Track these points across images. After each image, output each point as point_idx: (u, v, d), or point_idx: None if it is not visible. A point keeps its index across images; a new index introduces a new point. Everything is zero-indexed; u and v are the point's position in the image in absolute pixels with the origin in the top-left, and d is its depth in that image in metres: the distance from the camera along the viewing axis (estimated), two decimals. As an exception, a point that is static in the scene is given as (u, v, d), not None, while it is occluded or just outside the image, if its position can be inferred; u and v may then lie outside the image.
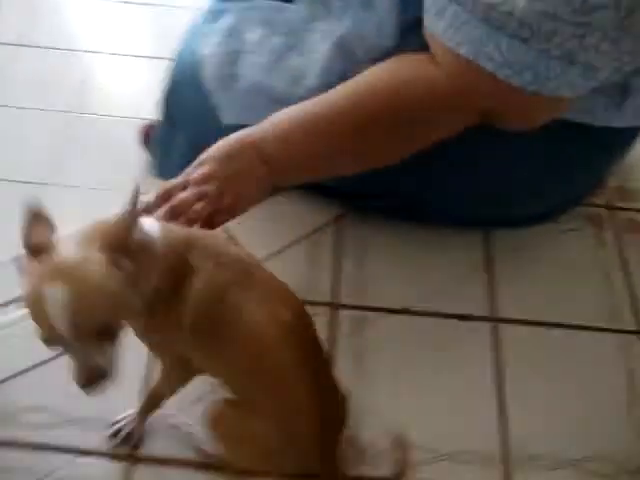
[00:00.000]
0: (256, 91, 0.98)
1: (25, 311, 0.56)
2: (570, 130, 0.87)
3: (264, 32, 1.00)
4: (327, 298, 1.02)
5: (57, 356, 0.82)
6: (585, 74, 0.67)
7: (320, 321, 0.97)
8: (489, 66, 0.67)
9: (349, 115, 0.80)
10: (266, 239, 1.08)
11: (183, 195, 0.78)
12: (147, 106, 1.32)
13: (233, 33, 1.01)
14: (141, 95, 1.61)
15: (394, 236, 1.09)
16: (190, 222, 0.77)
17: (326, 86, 0.87)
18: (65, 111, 1.48)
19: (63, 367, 0.58)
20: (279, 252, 1.07)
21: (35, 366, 0.93)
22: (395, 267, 1.07)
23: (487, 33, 0.67)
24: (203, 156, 0.82)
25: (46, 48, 1.62)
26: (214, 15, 1.09)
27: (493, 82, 0.69)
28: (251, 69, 0.99)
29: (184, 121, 1.15)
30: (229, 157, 0.80)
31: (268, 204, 1.09)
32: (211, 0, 1.15)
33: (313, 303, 1.00)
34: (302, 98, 0.89)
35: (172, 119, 1.20)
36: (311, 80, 0.94)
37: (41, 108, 1.49)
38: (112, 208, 0.60)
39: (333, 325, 1.00)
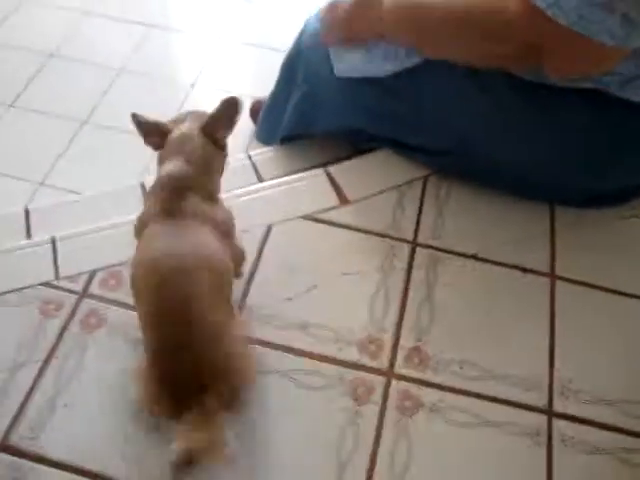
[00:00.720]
0: (367, 48, 1.16)
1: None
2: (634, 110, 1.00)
3: None
4: (409, 237, 1.16)
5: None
6: (623, 24, 0.77)
7: (401, 254, 1.13)
8: (541, 4, 0.80)
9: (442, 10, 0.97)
10: (362, 185, 1.24)
11: None
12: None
13: None
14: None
15: (472, 194, 1.23)
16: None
17: None
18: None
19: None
20: (372, 195, 1.23)
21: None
22: (469, 221, 1.20)
23: None
24: None
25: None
26: None
27: (545, 19, 0.80)
28: None
29: (302, 78, 1.35)
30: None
31: (369, 158, 1.29)
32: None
33: (395, 238, 1.16)
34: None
35: (290, 79, 1.40)
36: None
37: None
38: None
39: (410, 259, 1.14)
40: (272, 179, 1.41)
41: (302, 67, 1.35)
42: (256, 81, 1.98)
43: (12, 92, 1.91)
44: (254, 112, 1.79)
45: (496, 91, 1.06)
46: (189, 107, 1.81)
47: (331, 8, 1.19)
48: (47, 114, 1.86)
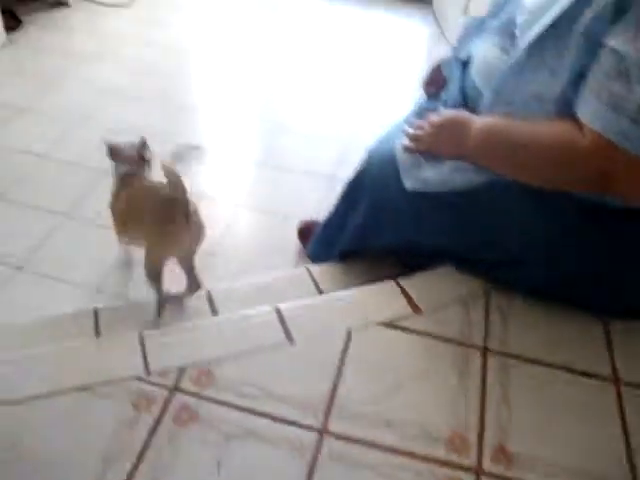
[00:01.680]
0: (439, 161, 1.27)
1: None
2: None
3: None
4: (479, 343, 1.22)
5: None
6: None
7: (474, 359, 1.19)
8: (613, 138, 0.94)
9: (523, 140, 1.10)
10: (431, 295, 1.32)
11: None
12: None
13: None
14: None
15: (532, 303, 1.30)
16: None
17: None
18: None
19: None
20: (442, 305, 1.30)
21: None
22: (532, 328, 1.27)
23: (615, 117, 0.94)
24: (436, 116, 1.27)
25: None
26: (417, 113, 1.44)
27: (615, 150, 0.94)
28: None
29: (367, 196, 1.46)
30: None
31: (435, 271, 1.38)
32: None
33: (467, 345, 1.22)
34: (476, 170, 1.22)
35: (352, 198, 1.51)
36: None
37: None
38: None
39: (483, 364, 1.19)
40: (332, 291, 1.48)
41: (366, 186, 1.45)
42: (301, 204, 2.10)
43: (69, 203, 2.01)
44: (303, 233, 1.89)
45: (559, 210, 1.16)
46: (232, 225, 1.95)
47: (420, 127, 1.32)
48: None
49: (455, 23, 3.34)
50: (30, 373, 1.12)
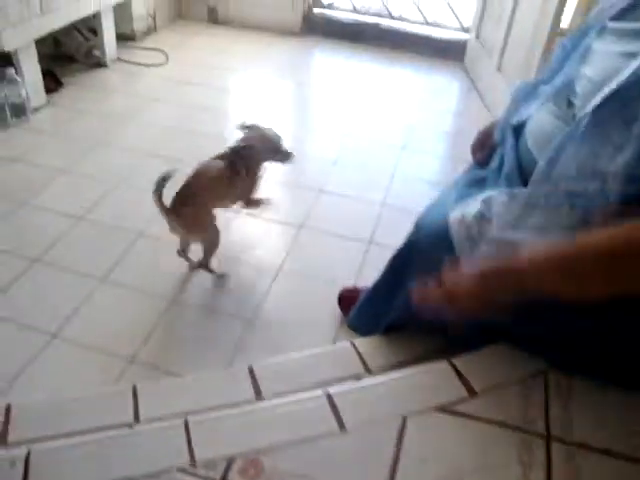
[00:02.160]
0: (500, 244, 1.19)
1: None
2: None
3: (507, 200, 1.25)
4: (541, 429, 1.14)
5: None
6: None
7: (537, 447, 1.11)
8: None
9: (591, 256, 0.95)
10: (487, 377, 1.25)
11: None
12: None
13: (486, 201, 1.26)
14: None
15: (593, 385, 1.22)
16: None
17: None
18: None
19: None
20: (499, 388, 1.22)
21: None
22: (594, 412, 1.19)
23: None
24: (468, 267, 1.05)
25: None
26: (468, 184, 1.39)
27: None
28: (496, 228, 1.21)
29: (418, 272, 1.39)
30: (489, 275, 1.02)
31: (490, 350, 1.31)
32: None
33: (528, 432, 1.14)
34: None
35: (400, 270, 1.45)
36: (555, 233, 1.13)
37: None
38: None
39: (547, 453, 1.11)
40: (379, 369, 1.42)
41: (416, 258, 1.40)
42: (337, 268, 2.05)
43: (105, 267, 1.99)
44: (343, 300, 1.84)
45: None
46: (271, 290, 1.91)
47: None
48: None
49: (488, 79, 3.34)
50: (70, 465, 1.07)
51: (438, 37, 3.95)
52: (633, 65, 0.98)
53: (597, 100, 1.04)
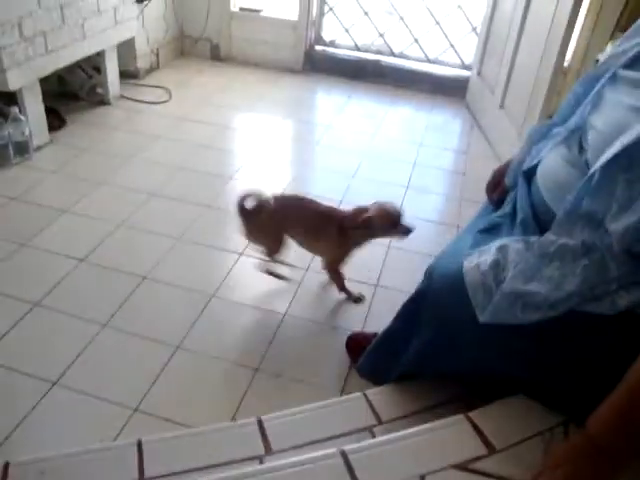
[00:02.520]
0: (515, 296, 1.16)
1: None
2: None
3: (523, 248, 1.22)
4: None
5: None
6: None
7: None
8: None
9: None
10: (506, 432, 1.20)
11: None
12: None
13: (501, 249, 1.23)
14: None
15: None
16: None
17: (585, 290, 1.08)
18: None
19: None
20: (518, 443, 1.18)
21: None
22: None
23: None
24: (554, 460, 1.00)
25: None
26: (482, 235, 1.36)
27: None
28: (511, 278, 1.17)
29: (431, 324, 1.36)
30: (578, 459, 0.97)
31: (508, 403, 1.27)
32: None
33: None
34: (552, 307, 1.10)
35: (413, 319, 1.41)
36: (571, 285, 1.11)
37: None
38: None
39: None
40: (392, 420, 1.37)
41: (429, 307, 1.36)
42: (343, 313, 2.02)
43: (107, 312, 1.94)
44: (353, 345, 1.80)
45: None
46: (278, 334, 1.87)
47: None
48: (141, 336, 1.86)
49: (491, 116, 3.35)
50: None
51: (439, 74, 3.97)
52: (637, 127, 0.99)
53: (606, 157, 1.03)
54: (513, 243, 1.23)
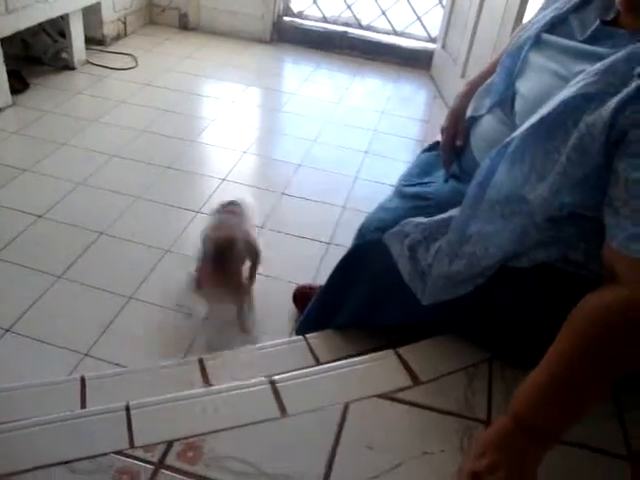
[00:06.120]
0: (444, 278, 1.21)
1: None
2: None
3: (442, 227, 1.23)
4: (483, 416, 1.16)
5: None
6: None
7: (478, 434, 1.12)
8: None
9: (571, 364, 0.91)
10: (432, 366, 1.27)
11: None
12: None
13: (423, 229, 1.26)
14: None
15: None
16: None
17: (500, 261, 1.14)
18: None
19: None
20: (443, 376, 1.25)
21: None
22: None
23: None
24: (480, 447, 0.94)
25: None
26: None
27: None
28: (436, 261, 1.22)
29: (364, 279, 1.41)
30: (504, 444, 0.93)
31: (436, 340, 1.33)
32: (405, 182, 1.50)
33: (470, 418, 1.15)
34: (480, 275, 1.17)
35: (349, 274, 1.46)
36: (486, 261, 1.16)
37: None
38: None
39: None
40: (329, 361, 1.43)
41: (363, 265, 1.40)
42: (296, 268, 2.07)
43: (63, 264, 1.97)
44: (298, 298, 1.85)
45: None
46: None
47: None
48: (92, 287, 1.90)
49: (453, 86, 3.40)
50: (11, 446, 1.06)
51: (406, 46, 4.01)
52: (560, 96, 0.99)
53: (524, 127, 1.05)
54: (433, 223, 1.26)
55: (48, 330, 1.73)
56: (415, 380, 1.23)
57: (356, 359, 1.29)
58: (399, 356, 1.28)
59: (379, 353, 1.30)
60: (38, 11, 2.96)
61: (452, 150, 1.46)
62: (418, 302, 1.27)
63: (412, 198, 1.41)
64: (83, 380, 1.36)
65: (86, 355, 1.66)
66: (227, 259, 1.62)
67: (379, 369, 1.26)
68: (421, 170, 1.55)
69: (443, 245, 1.21)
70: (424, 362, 1.28)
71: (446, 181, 1.45)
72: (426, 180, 1.49)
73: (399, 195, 1.46)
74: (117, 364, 1.64)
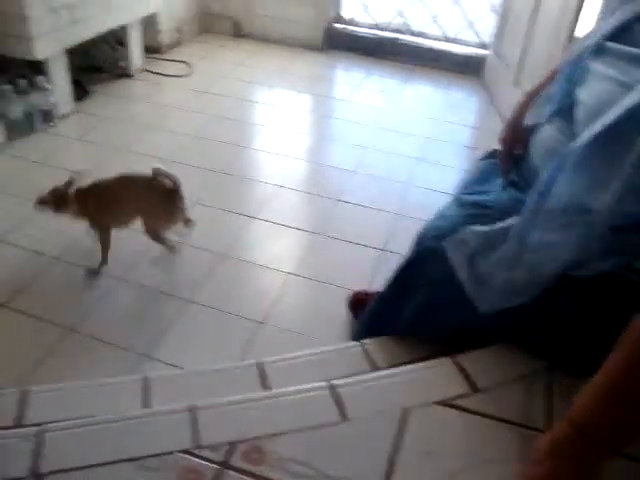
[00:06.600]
0: (503, 285, 1.21)
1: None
2: None
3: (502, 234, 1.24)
4: (541, 426, 1.16)
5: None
6: None
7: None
8: None
9: (630, 373, 0.89)
10: (490, 374, 1.27)
11: None
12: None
13: (485, 236, 1.27)
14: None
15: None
16: None
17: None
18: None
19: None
20: (501, 384, 1.24)
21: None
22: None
23: None
24: (537, 454, 0.94)
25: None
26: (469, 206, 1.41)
27: None
28: (496, 268, 1.23)
29: (422, 287, 1.42)
30: (561, 450, 0.93)
31: (494, 348, 1.33)
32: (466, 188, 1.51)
33: (529, 427, 1.15)
34: (541, 284, 1.16)
35: (407, 285, 1.47)
36: (547, 270, 1.15)
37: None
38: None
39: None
40: (385, 367, 1.44)
41: (423, 272, 1.41)
42: (350, 274, 2.09)
43: (123, 266, 2.05)
44: (353, 304, 1.87)
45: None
46: (283, 294, 1.94)
47: None
48: (152, 289, 1.96)
49: (506, 94, 3.37)
50: (80, 442, 1.11)
51: (457, 52, 3.99)
52: (624, 104, 0.99)
53: (586, 136, 1.05)
54: (493, 233, 1.26)
55: (108, 331, 1.79)
56: (473, 388, 1.23)
57: (414, 366, 1.30)
58: (457, 364, 1.29)
59: (436, 360, 1.31)
60: (100, 22, 3.07)
61: (510, 160, 1.47)
62: (475, 310, 1.27)
63: (471, 206, 1.42)
64: (146, 380, 1.40)
65: (146, 356, 1.71)
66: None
67: (437, 376, 1.27)
68: (479, 178, 1.56)
69: (503, 253, 1.22)
70: (482, 370, 1.28)
71: (504, 189, 1.45)
72: (484, 188, 1.49)
73: (458, 203, 1.47)
74: (174, 365, 1.69)
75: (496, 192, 1.45)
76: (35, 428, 1.13)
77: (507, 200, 1.38)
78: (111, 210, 1.99)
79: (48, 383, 1.41)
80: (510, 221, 1.24)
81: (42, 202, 1.94)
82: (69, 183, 1.93)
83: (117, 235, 2.04)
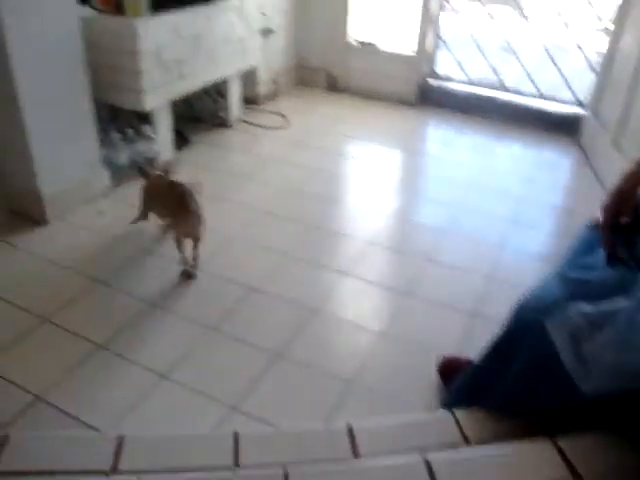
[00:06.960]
0: (613, 370, 1.15)
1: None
2: None
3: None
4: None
5: None
6: None
7: None
8: None
9: None
10: (595, 462, 1.21)
11: None
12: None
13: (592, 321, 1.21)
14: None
15: None
16: None
17: None
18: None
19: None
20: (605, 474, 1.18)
21: None
22: None
23: None
24: None
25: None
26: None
27: None
28: (604, 352, 1.17)
29: (521, 361, 1.38)
30: None
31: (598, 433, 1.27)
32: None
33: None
34: None
35: (505, 357, 1.43)
36: None
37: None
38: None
39: None
40: (477, 441, 1.40)
41: (522, 345, 1.37)
42: (438, 337, 2.06)
43: (215, 317, 2.10)
44: (444, 369, 1.84)
45: None
46: (371, 354, 1.93)
47: None
48: (243, 341, 1.99)
49: (604, 155, 3.28)
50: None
51: (552, 111, 3.93)
52: None
53: None
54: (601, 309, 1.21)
55: (199, 382, 1.83)
56: (575, 475, 1.17)
57: (511, 445, 1.26)
58: (557, 447, 1.24)
59: (535, 441, 1.26)
60: (205, 75, 3.24)
61: (612, 230, 1.41)
62: (577, 391, 1.22)
63: (574, 283, 1.37)
64: (236, 435, 1.41)
65: (233, 409, 1.73)
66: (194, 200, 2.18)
67: (536, 460, 1.22)
68: (584, 249, 1.51)
69: (611, 335, 1.17)
70: (583, 456, 1.22)
71: (609, 263, 1.40)
72: (589, 261, 1.44)
73: (560, 277, 1.43)
74: (263, 419, 1.70)
75: (600, 268, 1.40)
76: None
77: (612, 278, 1.33)
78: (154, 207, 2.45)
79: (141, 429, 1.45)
80: (619, 302, 1.19)
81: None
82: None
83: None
